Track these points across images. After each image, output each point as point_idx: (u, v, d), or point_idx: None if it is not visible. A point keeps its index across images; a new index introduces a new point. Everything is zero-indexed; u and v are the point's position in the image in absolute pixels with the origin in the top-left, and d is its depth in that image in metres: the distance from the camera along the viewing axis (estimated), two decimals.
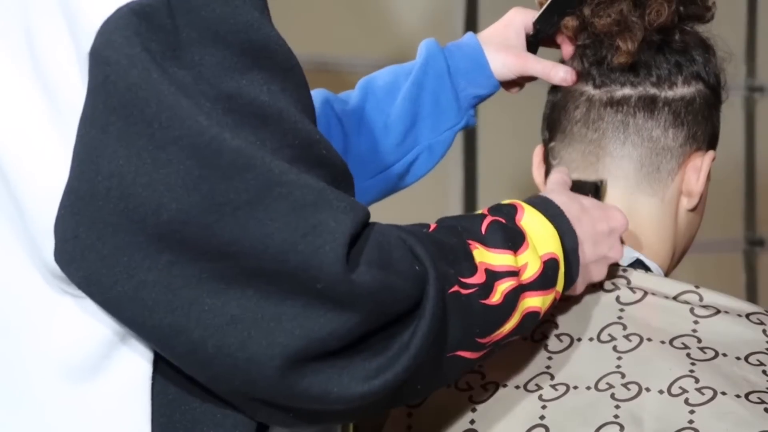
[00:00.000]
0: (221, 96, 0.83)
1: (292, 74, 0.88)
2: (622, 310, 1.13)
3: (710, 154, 1.23)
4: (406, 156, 1.30)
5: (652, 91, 1.19)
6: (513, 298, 0.95)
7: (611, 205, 1.13)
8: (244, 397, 0.87)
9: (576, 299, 1.13)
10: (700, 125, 1.21)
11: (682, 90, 1.20)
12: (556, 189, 1.10)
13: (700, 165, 1.22)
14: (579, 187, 1.15)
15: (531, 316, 0.98)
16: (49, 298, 0.89)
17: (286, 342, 0.83)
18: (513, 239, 0.97)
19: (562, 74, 1.22)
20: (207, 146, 0.82)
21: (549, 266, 0.99)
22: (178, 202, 0.82)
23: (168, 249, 0.83)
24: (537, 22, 1.27)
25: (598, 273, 1.09)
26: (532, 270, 0.97)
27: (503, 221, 0.98)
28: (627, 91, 1.20)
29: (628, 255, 1.18)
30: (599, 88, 1.20)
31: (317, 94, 1.32)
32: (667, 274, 1.23)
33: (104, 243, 0.83)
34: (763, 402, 1.05)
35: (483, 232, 0.96)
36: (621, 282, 1.14)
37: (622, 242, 1.13)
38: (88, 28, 0.83)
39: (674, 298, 1.13)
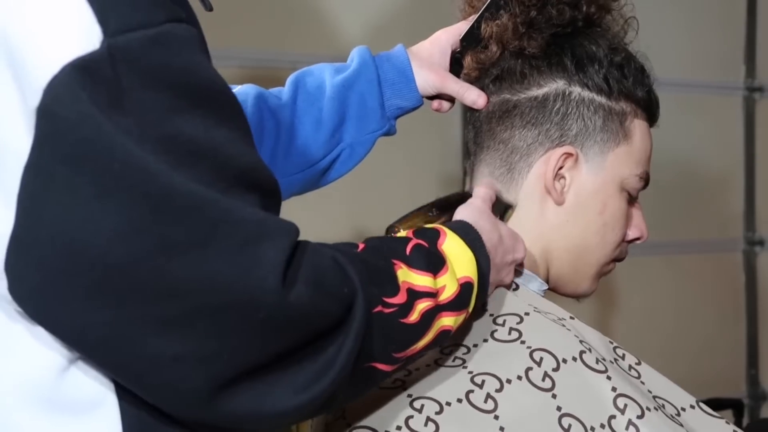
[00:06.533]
0: (161, 137, 0.86)
1: (228, 108, 0.92)
2: None
3: (562, 149, 1.25)
4: (332, 152, 1.35)
5: (507, 96, 1.27)
6: (429, 317, 1.01)
7: (519, 237, 1.20)
8: (186, 418, 0.92)
9: None
10: (554, 123, 1.25)
11: (534, 92, 1.26)
12: (482, 211, 1.16)
13: (550, 159, 1.25)
14: (495, 203, 1.23)
15: (444, 334, 1.05)
16: (4, 325, 0.91)
17: (224, 371, 0.88)
18: (434, 262, 1.03)
19: (473, 97, 1.30)
20: (158, 191, 0.85)
21: (465, 289, 1.05)
22: (128, 246, 0.85)
23: (113, 291, 0.86)
24: (463, 40, 1.33)
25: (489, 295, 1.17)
26: (449, 292, 1.03)
27: (426, 245, 1.04)
28: (491, 99, 1.29)
29: None
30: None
31: (249, 90, 1.36)
32: (552, 269, 1.28)
33: (50, 285, 0.86)
34: None
35: (407, 252, 1.02)
36: None
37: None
38: (35, 84, 0.85)
39: None
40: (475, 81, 1.31)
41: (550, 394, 1.13)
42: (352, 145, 1.36)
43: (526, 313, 1.19)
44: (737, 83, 3.22)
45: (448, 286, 1.03)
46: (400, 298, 0.98)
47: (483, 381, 1.13)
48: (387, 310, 0.97)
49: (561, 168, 1.24)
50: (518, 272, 1.23)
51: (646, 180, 1.29)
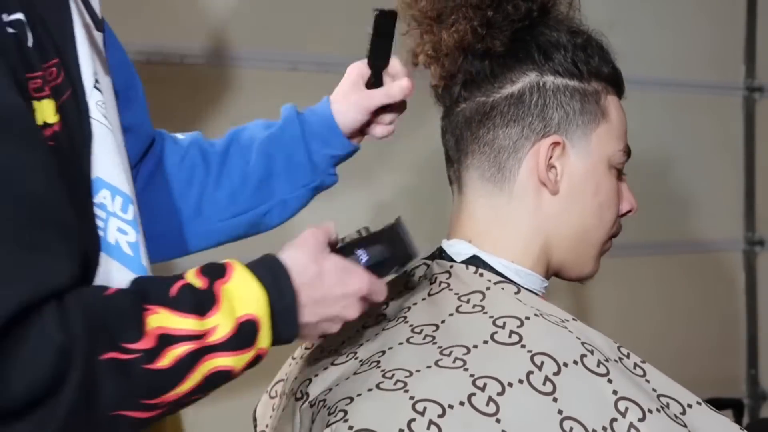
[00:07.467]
0: None
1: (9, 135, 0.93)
2: (423, 299, 1.27)
3: (548, 139, 1.26)
4: (260, 206, 1.38)
5: (482, 98, 1.28)
6: (189, 360, 0.99)
7: (355, 270, 1.13)
8: None
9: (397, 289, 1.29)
10: (536, 116, 1.26)
11: (508, 89, 1.27)
12: (303, 247, 1.11)
13: (539, 152, 1.26)
14: (374, 237, 1.17)
15: (219, 374, 1.02)
16: None
17: None
18: (201, 303, 1.01)
19: (398, 89, 1.34)
20: None
21: (245, 327, 1.02)
22: None
23: None
24: (369, 58, 1.36)
25: (331, 328, 1.13)
26: (222, 332, 1.01)
27: (197, 285, 1.02)
28: (463, 106, 1.29)
29: (463, 252, 1.28)
30: (447, 115, 1.32)
31: (189, 136, 1.41)
32: (554, 258, 1.29)
33: None
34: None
35: (171, 295, 1.00)
36: (443, 276, 1.28)
37: (367, 301, 1.15)
38: None
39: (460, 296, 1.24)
40: (444, 90, 1.32)
41: (551, 397, 1.13)
42: (285, 201, 1.39)
43: (527, 317, 1.20)
44: (737, 83, 3.22)
45: (221, 326, 1.01)
46: (145, 344, 0.96)
47: (485, 384, 1.13)
48: (124, 356, 0.95)
49: (551, 158, 1.26)
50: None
51: (628, 153, 1.32)
